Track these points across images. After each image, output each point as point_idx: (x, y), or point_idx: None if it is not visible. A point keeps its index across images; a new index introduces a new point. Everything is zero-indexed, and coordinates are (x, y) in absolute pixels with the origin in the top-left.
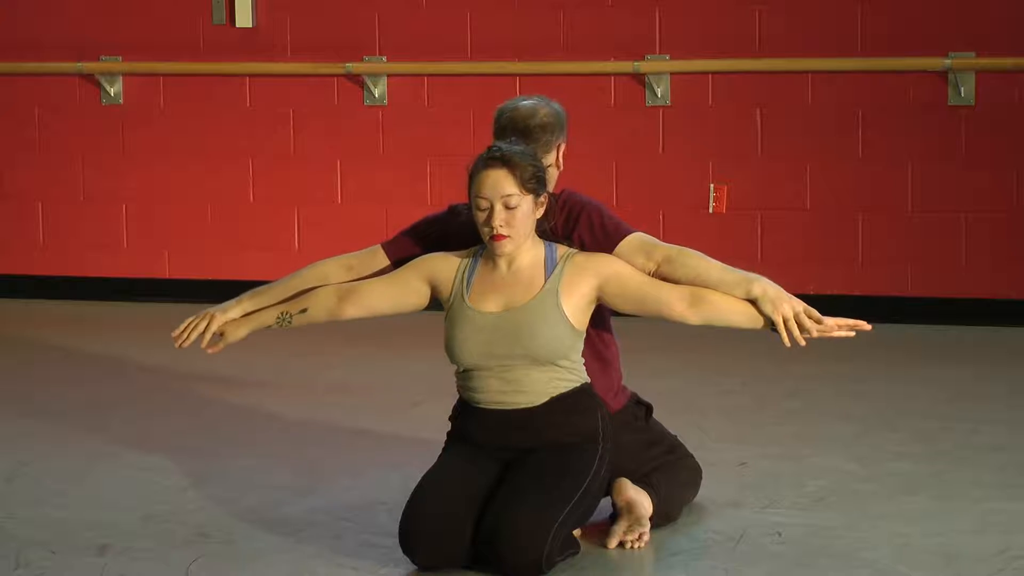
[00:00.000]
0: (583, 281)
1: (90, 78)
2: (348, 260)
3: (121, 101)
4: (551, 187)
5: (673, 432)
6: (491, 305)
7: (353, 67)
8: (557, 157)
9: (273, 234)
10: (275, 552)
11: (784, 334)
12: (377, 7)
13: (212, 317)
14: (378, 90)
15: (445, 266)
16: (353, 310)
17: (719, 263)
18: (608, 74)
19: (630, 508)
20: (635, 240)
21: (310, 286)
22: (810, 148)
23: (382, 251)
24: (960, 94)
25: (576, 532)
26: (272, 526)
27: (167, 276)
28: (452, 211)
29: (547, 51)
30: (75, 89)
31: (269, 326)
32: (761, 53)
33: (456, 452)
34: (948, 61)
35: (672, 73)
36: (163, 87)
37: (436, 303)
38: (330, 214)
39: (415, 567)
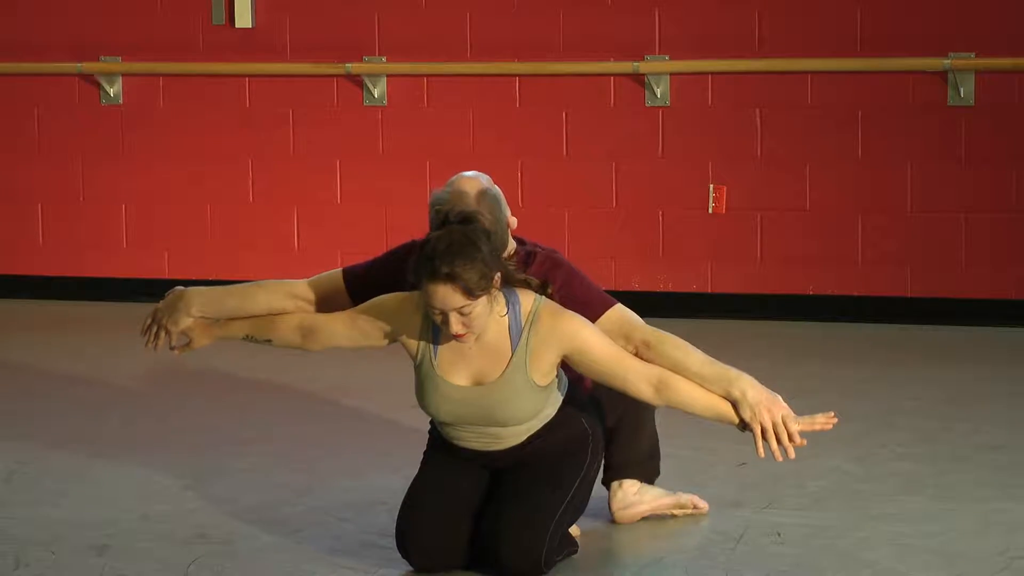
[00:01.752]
0: (549, 351)
1: (90, 78)
2: (307, 289)
3: (121, 101)
4: (507, 243)
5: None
6: (460, 378)
7: (353, 67)
8: (510, 220)
9: (273, 234)
10: (274, 552)
11: (760, 445)
12: (377, 7)
13: (166, 328)
14: (377, 90)
15: (408, 325)
16: (316, 347)
17: (700, 355)
18: (608, 74)
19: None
20: (615, 318)
21: (266, 310)
22: (810, 148)
23: (343, 281)
24: (960, 94)
25: (575, 531)
26: (271, 526)
27: (167, 276)
28: (413, 249)
29: (546, 51)
30: (75, 89)
31: (233, 339)
32: (761, 53)
33: (443, 459)
34: (948, 61)
35: (672, 73)
36: (163, 87)
37: None
38: (329, 214)
39: (413, 568)
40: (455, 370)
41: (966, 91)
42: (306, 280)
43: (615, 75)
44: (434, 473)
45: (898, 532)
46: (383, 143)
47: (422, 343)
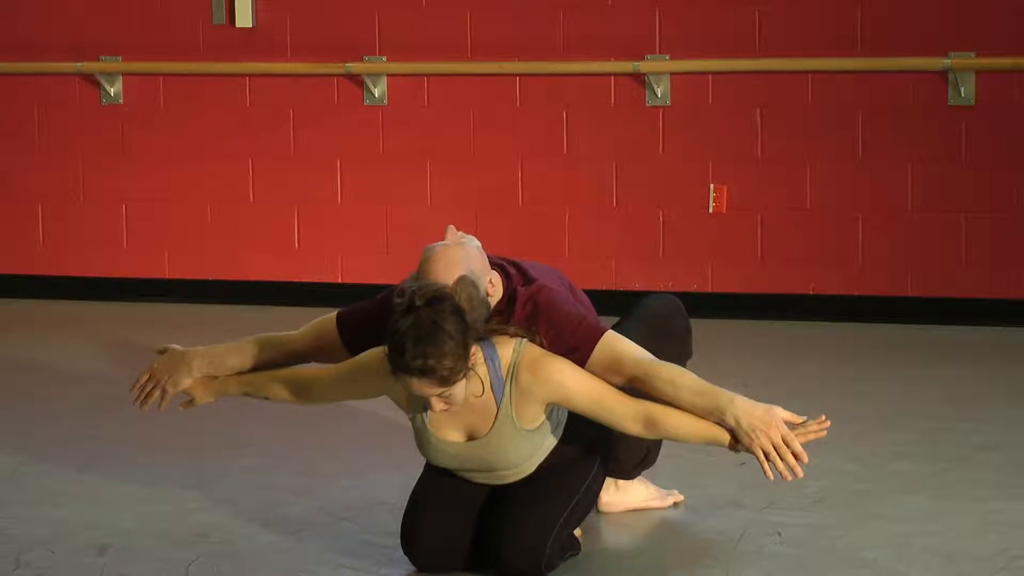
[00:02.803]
0: (532, 402)
1: (90, 78)
2: (302, 342)
3: (121, 101)
4: (486, 312)
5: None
6: (452, 434)
7: (353, 67)
8: (488, 289)
9: (273, 234)
10: (275, 552)
11: (767, 469)
12: (377, 7)
13: (164, 389)
14: (378, 90)
15: (396, 383)
16: (310, 404)
17: (690, 385)
18: (608, 74)
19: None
20: (604, 355)
21: (263, 366)
22: (810, 148)
23: (336, 331)
24: (960, 94)
25: (577, 532)
26: (272, 526)
27: (167, 276)
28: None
29: (547, 51)
30: (75, 89)
31: (231, 395)
32: (761, 53)
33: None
34: (948, 61)
35: (672, 73)
36: (163, 87)
37: None
38: (330, 214)
39: (415, 568)
40: (447, 427)
41: (967, 91)
42: (301, 331)
43: (615, 75)
44: (438, 473)
45: (898, 532)
46: (384, 143)
47: (412, 400)
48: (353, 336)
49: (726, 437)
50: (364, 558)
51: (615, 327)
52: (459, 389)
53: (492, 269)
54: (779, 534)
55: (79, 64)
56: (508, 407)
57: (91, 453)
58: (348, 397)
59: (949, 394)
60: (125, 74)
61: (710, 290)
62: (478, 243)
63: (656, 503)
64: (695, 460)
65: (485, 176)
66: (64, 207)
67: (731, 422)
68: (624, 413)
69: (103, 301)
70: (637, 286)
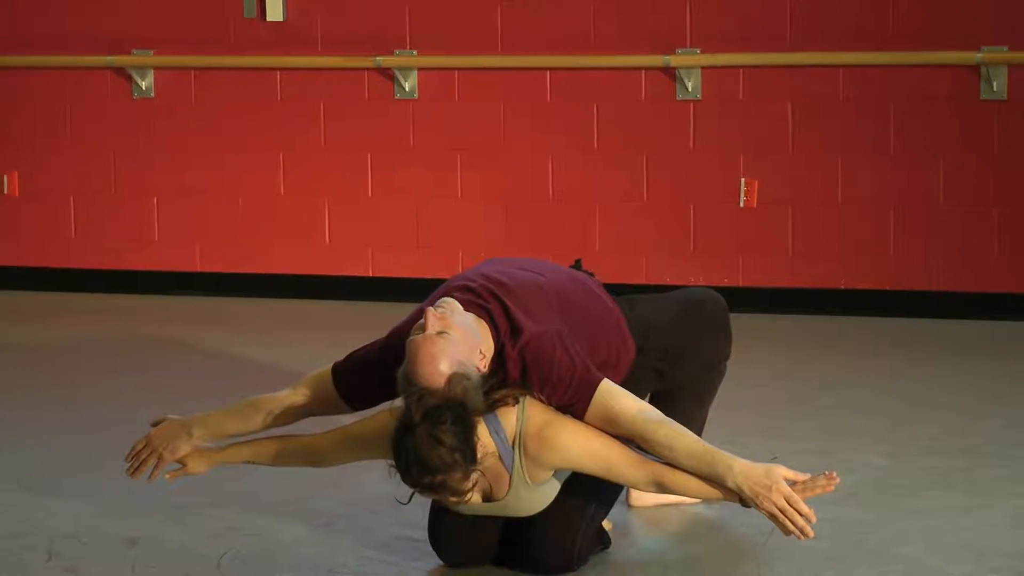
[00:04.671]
0: (541, 469)
1: (121, 72)
2: (302, 399)
3: (152, 95)
4: (485, 363)
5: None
6: (472, 497)
7: (383, 61)
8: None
9: (303, 227)
10: (306, 545)
11: (786, 525)
12: (407, 1)
13: (161, 456)
14: (408, 84)
15: None
16: (323, 466)
17: (688, 449)
18: (638, 68)
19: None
20: (599, 411)
21: (265, 429)
22: (841, 142)
23: (332, 384)
24: (992, 88)
25: (607, 525)
26: (303, 519)
27: (198, 269)
28: (398, 353)
29: (577, 45)
30: (106, 83)
31: (233, 464)
32: (792, 47)
33: None
34: (980, 55)
35: (703, 67)
36: (194, 81)
37: None
38: (360, 207)
39: (444, 563)
40: None
41: (999, 85)
42: (296, 389)
43: (646, 69)
44: None
45: (930, 526)
46: (414, 137)
47: None
48: (351, 391)
49: (734, 495)
50: (395, 552)
51: (649, 303)
52: (472, 479)
53: (475, 313)
54: None
55: (111, 58)
56: (520, 473)
57: (122, 445)
58: (362, 459)
59: (981, 389)
60: (156, 68)
61: (740, 284)
62: (458, 308)
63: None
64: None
65: (515, 170)
66: (96, 200)
67: (733, 488)
68: (634, 478)
69: (134, 294)
70: (668, 280)
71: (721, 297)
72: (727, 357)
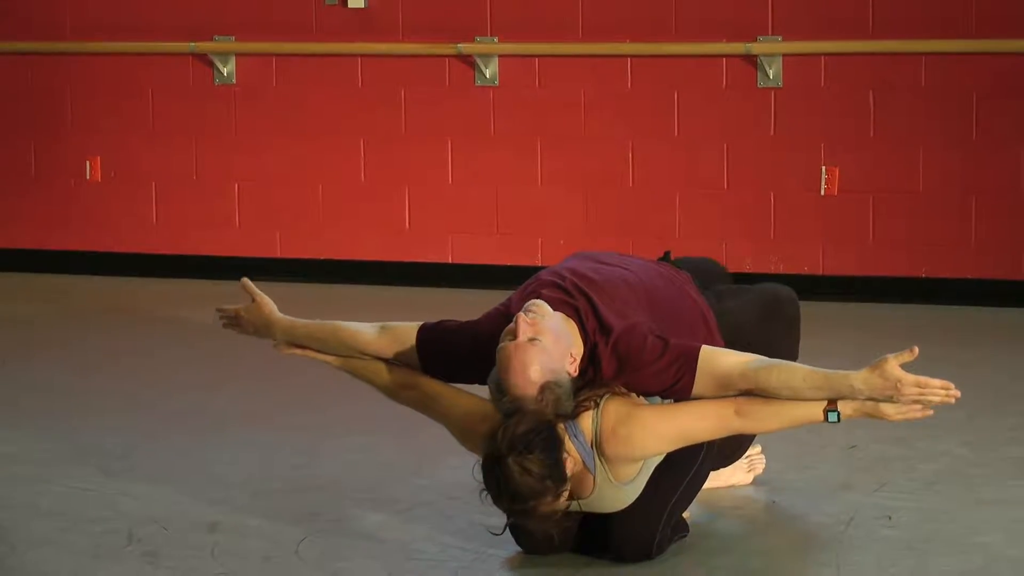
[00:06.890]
0: (623, 467)
1: (203, 58)
2: (381, 339)
3: (234, 81)
4: (575, 365)
5: None
6: None
7: (464, 47)
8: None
9: (384, 214)
10: (384, 531)
11: (931, 400)
12: None
13: (243, 330)
14: (489, 71)
15: None
16: (418, 409)
17: (805, 382)
18: (720, 55)
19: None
20: (706, 378)
21: (346, 353)
22: (923, 130)
23: (415, 341)
24: None
25: (686, 514)
26: (381, 505)
27: (278, 255)
28: (486, 338)
29: (659, 32)
30: (188, 69)
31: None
32: (874, 35)
33: None
34: None
35: (784, 55)
36: (276, 67)
37: None
38: (440, 194)
39: (523, 551)
40: None
41: None
42: (381, 335)
43: (727, 56)
44: None
45: (1010, 517)
46: (495, 123)
47: None
48: (431, 365)
49: (817, 414)
50: (472, 539)
51: (733, 296)
52: (565, 495)
53: (564, 312)
54: (889, 518)
55: (192, 44)
56: (603, 473)
57: (201, 430)
58: (435, 420)
59: None
60: (238, 54)
61: (821, 272)
62: (548, 311)
63: (740, 479)
64: (806, 442)
65: (596, 157)
66: (177, 187)
67: (862, 398)
68: (713, 431)
69: (215, 280)
70: (748, 268)
71: (796, 296)
72: (796, 358)
